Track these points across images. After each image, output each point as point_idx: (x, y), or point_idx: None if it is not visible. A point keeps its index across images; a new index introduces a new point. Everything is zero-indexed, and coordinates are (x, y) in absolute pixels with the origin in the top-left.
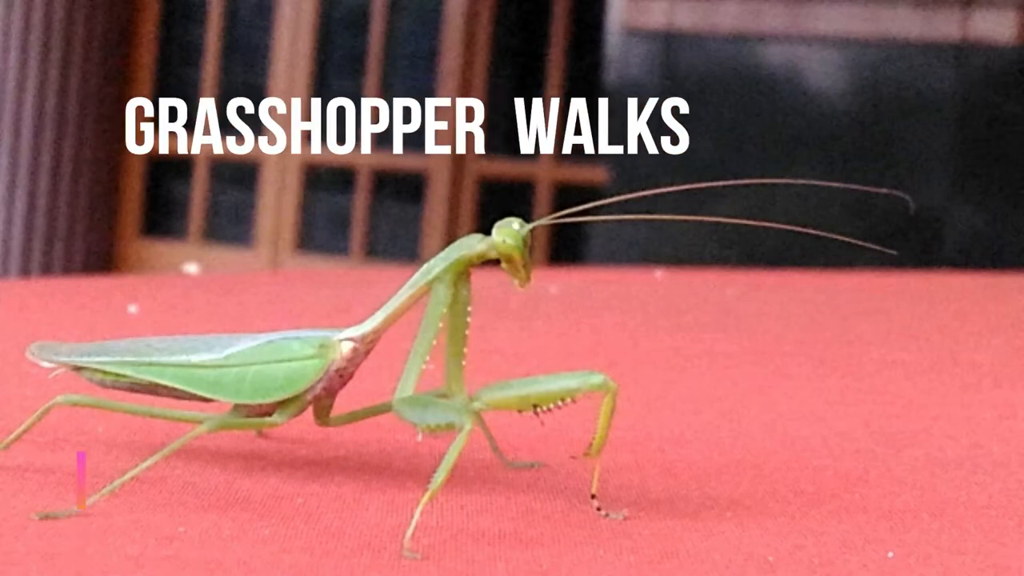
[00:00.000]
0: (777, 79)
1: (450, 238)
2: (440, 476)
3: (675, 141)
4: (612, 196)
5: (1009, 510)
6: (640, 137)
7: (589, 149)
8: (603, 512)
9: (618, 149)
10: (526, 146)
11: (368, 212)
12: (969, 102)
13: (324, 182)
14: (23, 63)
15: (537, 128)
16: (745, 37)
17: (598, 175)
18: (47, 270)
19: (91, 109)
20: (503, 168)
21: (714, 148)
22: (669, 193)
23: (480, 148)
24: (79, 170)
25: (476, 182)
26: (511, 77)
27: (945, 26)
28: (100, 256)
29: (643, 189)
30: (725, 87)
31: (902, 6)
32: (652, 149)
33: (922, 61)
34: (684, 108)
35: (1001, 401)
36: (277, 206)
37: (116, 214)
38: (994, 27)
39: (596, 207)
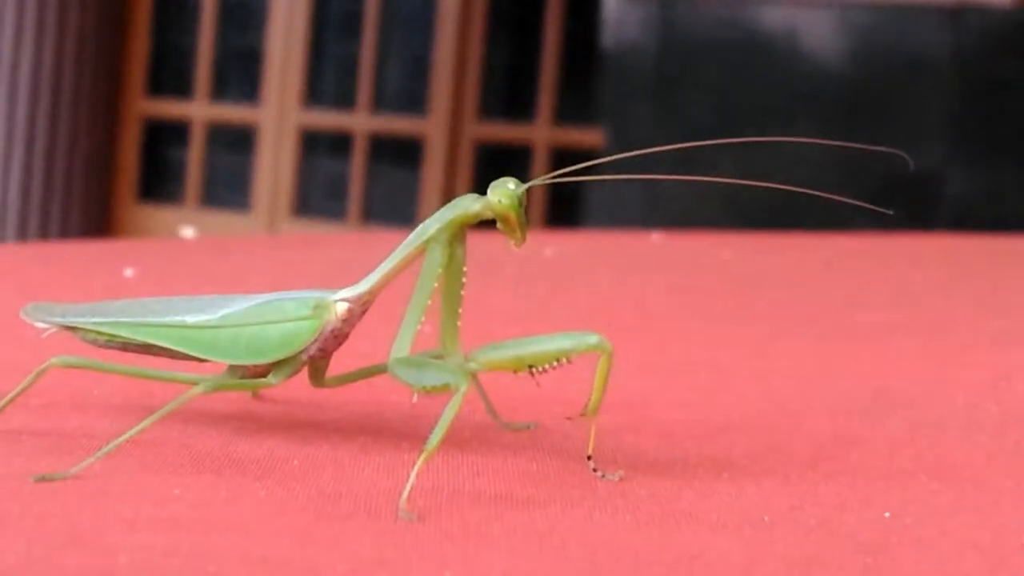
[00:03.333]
0: (774, 43)
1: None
2: (436, 437)
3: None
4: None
5: (1006, 470)
6: (637, 100)
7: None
8: (599, 473)
9: (615, 112)
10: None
11: (365, 176)
12: (966, 65)
13: (321, 146)
14: (18, 25)
15: (534, 91)
16: (741, 0)
17: (595, 138)
18: (44, 234)
19: (87, 73)
20: (500, 131)
21: (711, 111)
22: (665, 155)
23: (477, 111)
24: (76, 134)
25: (473, 146)
26: (508, 40)
27: None
28: (97, 220)
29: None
30: (722, 51)
31: None
32: (649, 112)
33: (919, 24)
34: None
35: (998, 362)
36: (274, 171)
37: (113, 178)
38: None
39: (592, 166)
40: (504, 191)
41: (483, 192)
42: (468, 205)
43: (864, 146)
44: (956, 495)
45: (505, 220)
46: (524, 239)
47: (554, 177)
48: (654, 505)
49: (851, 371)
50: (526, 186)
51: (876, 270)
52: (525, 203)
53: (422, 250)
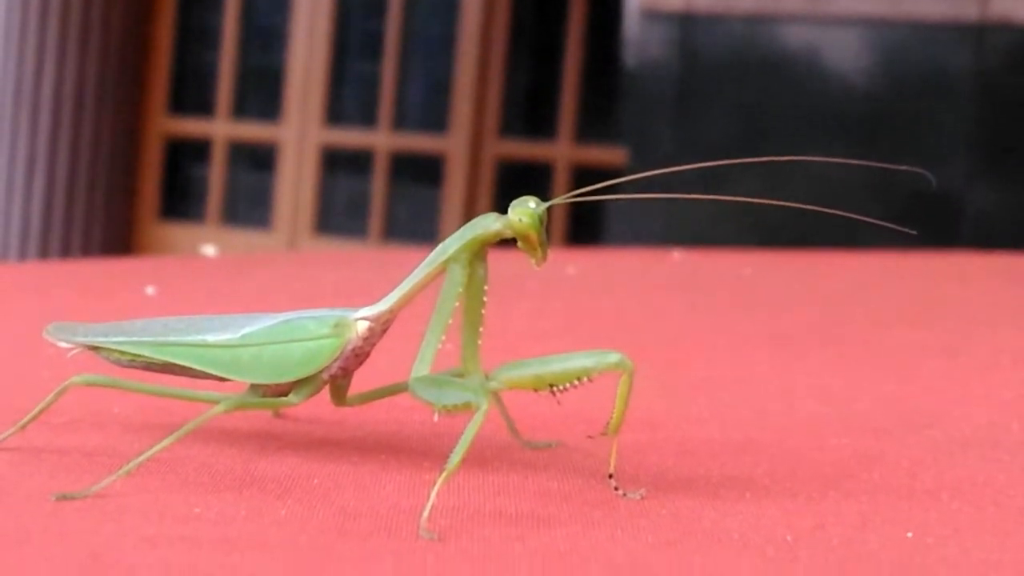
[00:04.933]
0: (795, 61)
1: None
2: (457, 456)
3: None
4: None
5: None
6: (658, 118)
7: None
8: (621, 492)
9: (636, 131)
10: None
11: (386, 194)
12: (989, 82)
13: (342, 164)
14: (41, 45)
15: (555, 109)
16: (763, 18)
17: (617, 156)
18: (66, 252)
19: (110, 91)
20: (522, 149)
21: (733, 130)
22: (686, 173)
23: (498, 129)
24: (98, 152)
25: (494, 164)
26: (530, 58)
27: (965, 6)
28: (119, 238)
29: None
30: (743, 69)
31: None
32: (670, 131)
33: (942, 41)
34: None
35: (1019, 381)
36: (295, 189)
37: (135, 196)
38: (1014, 7)
39: (613, 185)
40: (524, 210)
41: (504, 210)
42: (488, 224)
43: (886, 164)
44: (978, 515)
45: (525, 239)
46: (545, 258)
47: (575, 196)
48: (676, 524)
49: (873, 389)
50: (546, 205)
51: (898, 288)
52: (546, 222)
53: (442, 269)
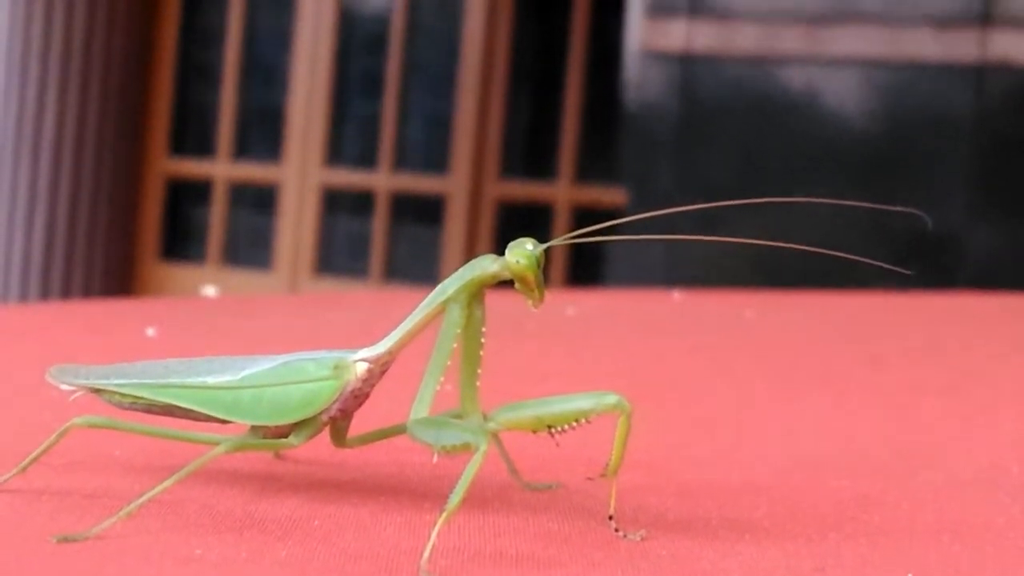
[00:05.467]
0: (796, 101)
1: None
2: (456, 497)
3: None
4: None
5: None
6: (658, 158)
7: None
8: (621, 533)
9: (636, 171)
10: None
11: (387, 235)
12: (988, 123)
13: (343, 205)
14: (42, 84)
15: (555, 150)
16: (763, 59)
17: (617, 197)
18: (66, 293)
19: (110, 131)
20: (522, 190)
21: (732, 170)
22: (686, 214)
23: (498, 170)
24: (98, 192)
25: (494, 204)
26: (529, 99)
27: (964, 47)
28: (119, 279)
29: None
30: (743, 109)
31: (921, 27)
32: (670, 171)
33: (941, 82)
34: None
35: (1021, 421)
36: (296, 229)
37: (135, 237)
38: (1013, 48)
39: (611, 226)
40: (522, 252)
41: (503, 251)
42: (486, 266)
43: (882, 206)
44: (978, 556)
45: (523, 280)
46: (542, 300)
47: (573, 238)
48: (675, 566)
49: (873, 430)
50: (544, 246)
51: (898, 328)
52: (543, 263)
53: (441, 310)
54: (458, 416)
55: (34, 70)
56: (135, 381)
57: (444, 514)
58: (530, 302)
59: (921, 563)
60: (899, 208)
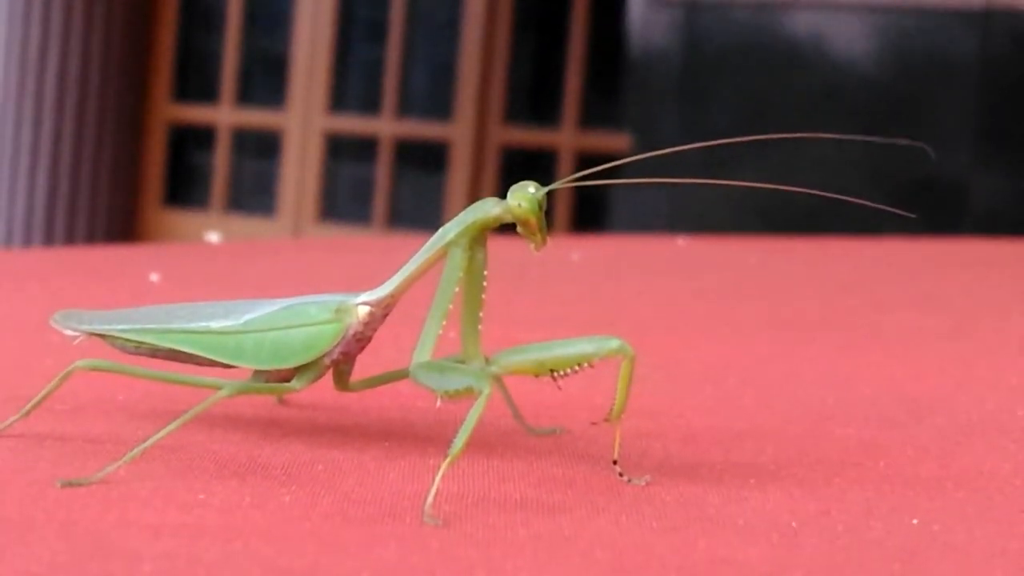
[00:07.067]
0: (800, 47)
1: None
2: (460, 441)
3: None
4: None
5: None
6: (662, 105)
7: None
8: (625, 478)
9: (641, 118)
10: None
11: (390, 181)
12: (994, 68)
13: (346, 151)
14: (45, 32)
15: (560, 96)
16: (768, 5)
17: (621, 143)
18: (70, 239)
19: (113, 78)
20: (526, 136)
21: (737, 117)
22: (690, 159)
23: (502, 116)
24: (101, 140)
25: (498, 150)
26: (534, 45)
27: None
28: (123, 225)
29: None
30: (747, 56)
31: None
32: (674, 117)
33: (948, 28)
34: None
35: None
36: (299, 175)
37: (138, 183)
38: None
39: (614, 168)
40: (524, 195)
41: (506, 197)
42: (488, 209)
43: (886, 139)
44: (983, 502)
45: (525, 224)
46: (544, 243)
47: (574, 180)
48: (680, 510)
49: (878, 376)
50: (546, 189)
51: (903, 275)
52: (545, 207)
53: (442, 254)
54: (460, 360)
55: (37, 16)
56: (139, 326)
57: (448, 459)
58: (532, 245)
59: (926, 508)
60: (903, 141)
